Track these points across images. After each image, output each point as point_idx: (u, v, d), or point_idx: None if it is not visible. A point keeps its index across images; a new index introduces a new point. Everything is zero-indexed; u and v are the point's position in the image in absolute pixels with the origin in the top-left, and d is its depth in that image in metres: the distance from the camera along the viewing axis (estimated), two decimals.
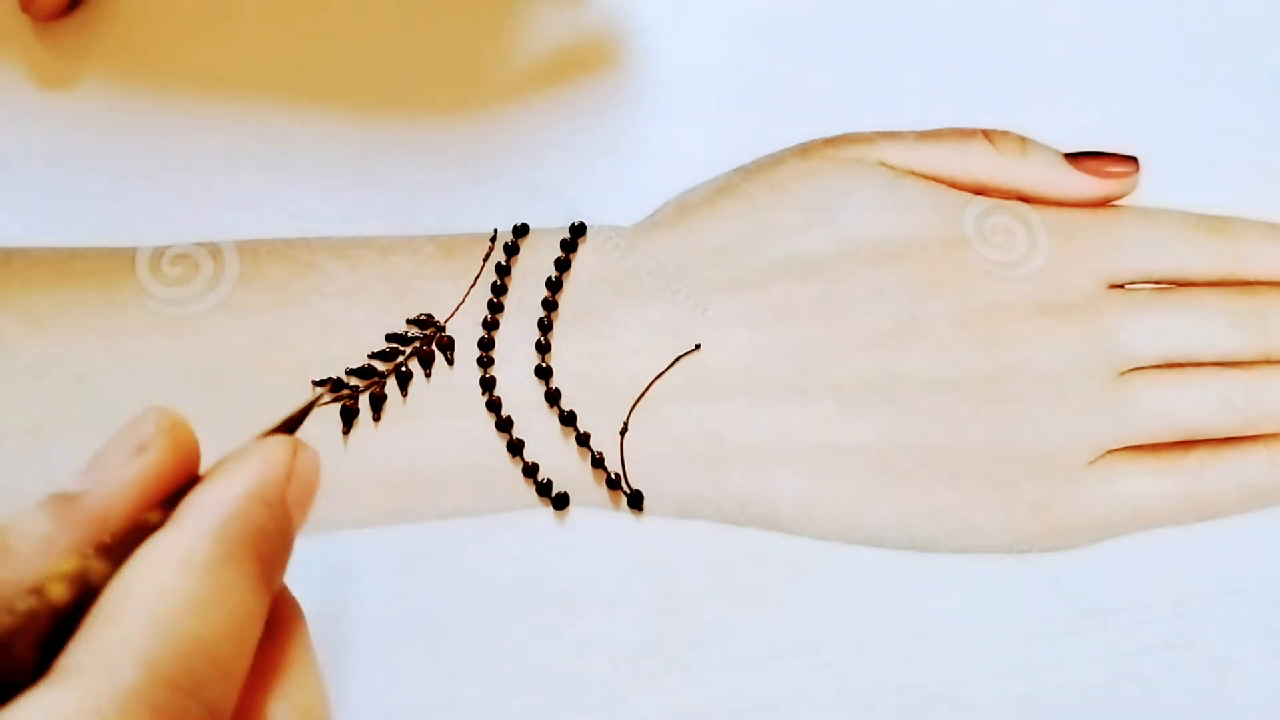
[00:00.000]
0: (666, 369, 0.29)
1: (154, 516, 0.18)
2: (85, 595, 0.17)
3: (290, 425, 0.21)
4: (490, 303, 0.30)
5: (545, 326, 0.30)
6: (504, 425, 0.28)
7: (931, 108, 0.33)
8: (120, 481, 0.19)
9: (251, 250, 0.30)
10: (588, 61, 0.34)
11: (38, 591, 0.16)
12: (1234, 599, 0.28)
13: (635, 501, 0.28)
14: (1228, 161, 0.34)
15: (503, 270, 0.30)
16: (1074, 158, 0.33)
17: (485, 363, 0.29)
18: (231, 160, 0.31)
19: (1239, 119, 0.35)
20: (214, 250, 0.30)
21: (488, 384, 0.29)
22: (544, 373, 0.29)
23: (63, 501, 0.19)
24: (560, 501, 0.28)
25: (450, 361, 0.29)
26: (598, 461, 0.28)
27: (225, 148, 0.31)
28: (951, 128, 0.33)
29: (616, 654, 0.26)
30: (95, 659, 0.16)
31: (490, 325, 0.30)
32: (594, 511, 0.28)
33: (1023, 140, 0.33)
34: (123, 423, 0.19)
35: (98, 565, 0.17)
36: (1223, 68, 0.35)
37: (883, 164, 0.32)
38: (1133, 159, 0.33)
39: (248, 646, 0.18)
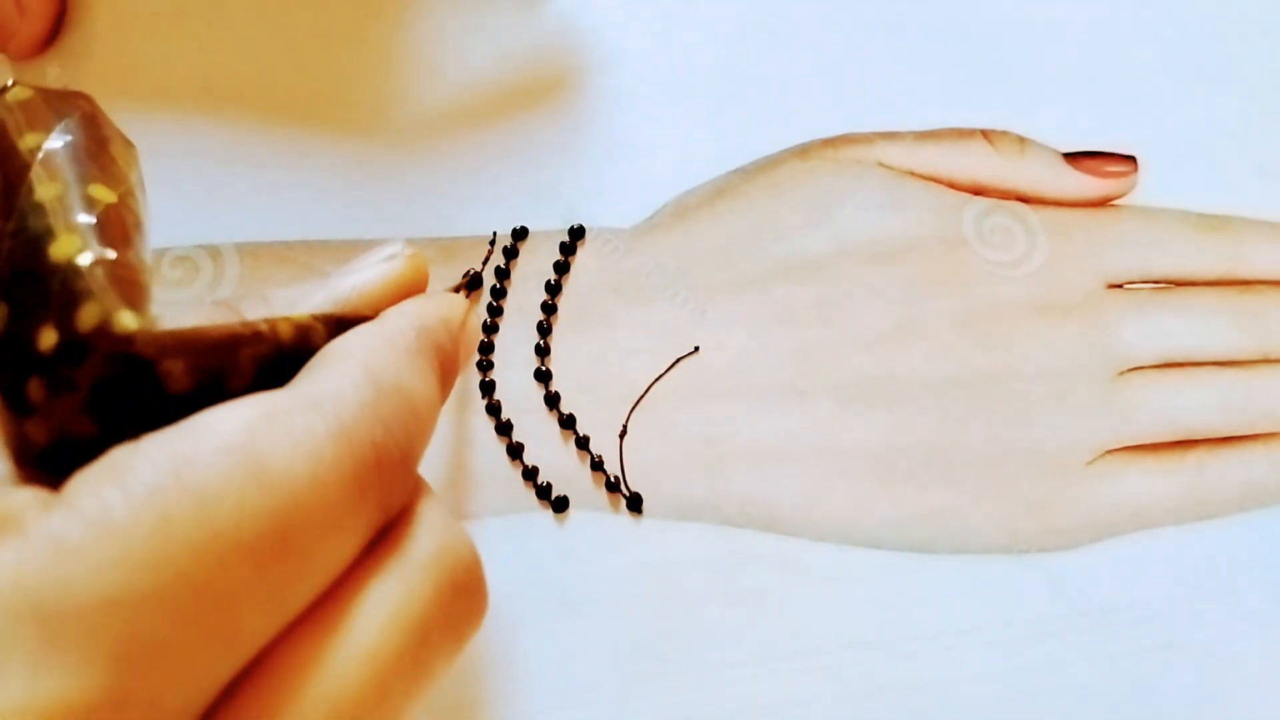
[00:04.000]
0: (666, 371, 0.29)
1: (371, 317, 0.21)
2: (303, 349, 0.19)
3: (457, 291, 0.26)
4: (490, 306, 0.30)
5: (545, 329, 0.30)
6: (504, 428, 0.29)
7: (930, 108, 0.33)
8: (364, 275, 0.22)
9: (251, 252, 0.30)
10: (586, 63, 0.34)
11: (270, 322, 0.19)
12: (1233, 598, 0.28)
13: (635, 504, 0.28)
14: (1228, 161, 0.34)
15: (502, 273, 0.30)
16: (1073, 157, 0.33)
17: (485, 366, 0.29)
18: (231, 162, 0.31)
19: (1239, 119, 0.35)
20: (214, 253, 0.30)
21: (487, 387, 0.29)
22: (543, 376, 0.29)
23: (316, 281, 0.21)
24: (560, 504, 0.28)
25: None
26: (597, 464, 0.28)
27: (224, 150, 0.31)
28: (950, 128, 0.33)
29: (616, 656, 0.26)
30: (329, 371, 0.18)
31: (489, 329, 0.30)
32: (594, 514, 0.28)
33: (1021, 140, 0.33)
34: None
35: (320, 329, 0.20)
36: (1223, 68, 0.35)
37: (881, 164, 0.32)
38: (1131, 159, 0.33)
39: (431, 431, 0.20)
